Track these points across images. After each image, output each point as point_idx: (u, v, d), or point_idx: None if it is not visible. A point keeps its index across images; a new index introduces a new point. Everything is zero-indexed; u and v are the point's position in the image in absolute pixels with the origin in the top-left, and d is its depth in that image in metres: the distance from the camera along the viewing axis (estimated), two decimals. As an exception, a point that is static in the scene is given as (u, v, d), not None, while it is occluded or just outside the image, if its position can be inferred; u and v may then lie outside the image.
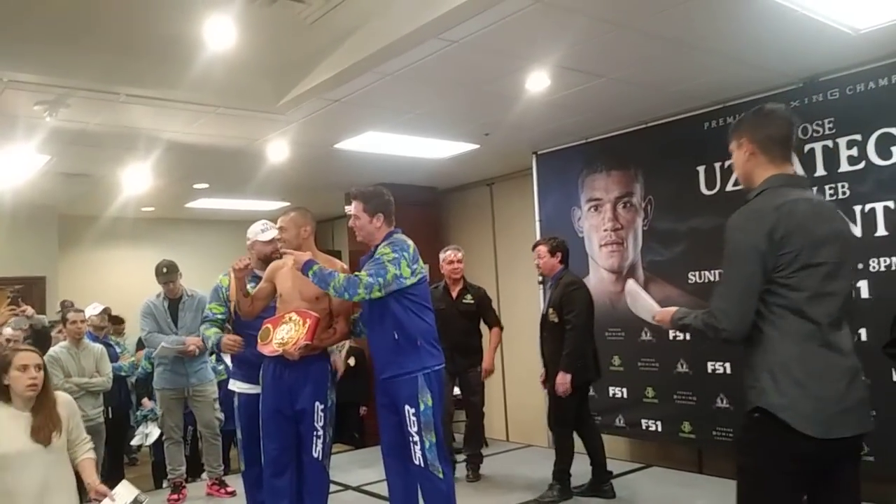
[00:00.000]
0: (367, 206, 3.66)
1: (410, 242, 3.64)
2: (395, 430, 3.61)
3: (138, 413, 6.16)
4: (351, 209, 3.72)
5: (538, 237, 6.43)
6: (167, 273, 5.20)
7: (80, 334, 5.32)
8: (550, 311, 4.81)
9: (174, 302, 5.27)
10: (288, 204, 8.79)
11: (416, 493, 3.69)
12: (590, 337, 4.84)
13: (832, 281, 2.18)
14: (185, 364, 5.14)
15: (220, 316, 4.22)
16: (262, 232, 4.32)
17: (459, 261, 5.50)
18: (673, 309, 2.44)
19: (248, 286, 3.89)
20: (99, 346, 5.53)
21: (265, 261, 4.18)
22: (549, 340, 4.84)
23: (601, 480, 4.87)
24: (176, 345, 5.04)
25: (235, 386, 4.18)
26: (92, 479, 3.09)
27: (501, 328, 5.57)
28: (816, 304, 2.15)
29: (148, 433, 5.92)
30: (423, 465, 3.51)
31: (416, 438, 3.51)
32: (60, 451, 3.11)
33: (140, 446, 6.19)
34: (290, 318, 3.71)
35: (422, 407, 3.50)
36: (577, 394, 4.73)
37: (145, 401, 6.06)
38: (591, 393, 5.99)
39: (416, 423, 3.50)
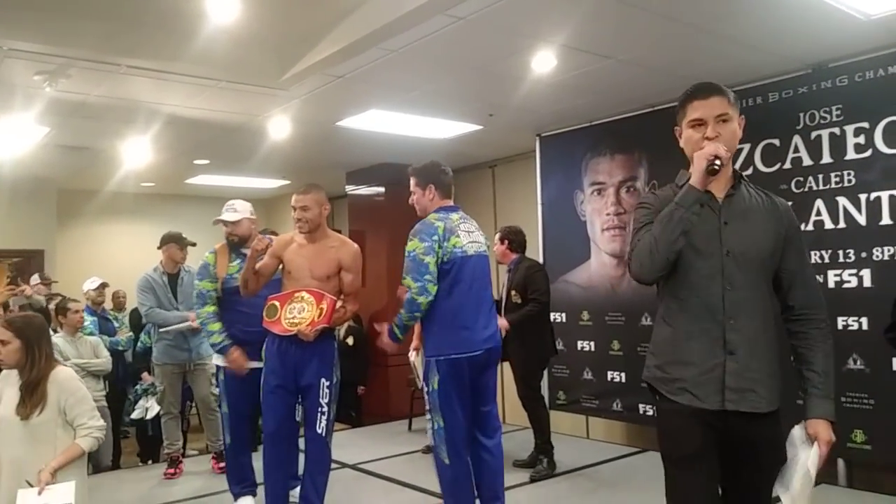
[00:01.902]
0: (418, 178, 3.69)
1: (439, 224, 3.53)
2: None
3: (138, 387, 6.14)
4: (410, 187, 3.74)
5: (540, 220, 6.44)
6: (186, 239, 5.26)
7: (79, 324, 5.32)
8: (513, 292, 5.08)
9: (173, 276, 5.25)
10: (288, 182, 8.78)
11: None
12: (547, 317, 5.17)
13: None
14: (186, 338, 5.11)
15: (214, 293, 4.21)
16: (225, 212, 4.35)
17: None
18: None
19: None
20: (95, 339, 5.53)
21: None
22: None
23: (542, 453, 5.03)
24: (181, 321, 5.02)
25: (220, 360, 4.19)
26: (51, 463, 2.95)
27: None
28: None
29: (148, 407, 5.90)
30: (433, 443, 3.60)
31: (429, 416, 3.65)
32: (41, 429, 3.02)
33: (142, 419, 6.15)
34: (301, 297, 3.70)
35: (430, 388, 3.50)
36: (540, 368, 5.12)
37: (145, 375, 6.03)
38: (589, 377, 6.03)
39: (428, 402, 3.57)
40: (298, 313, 3.66)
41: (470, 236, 3.62)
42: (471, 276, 3.54)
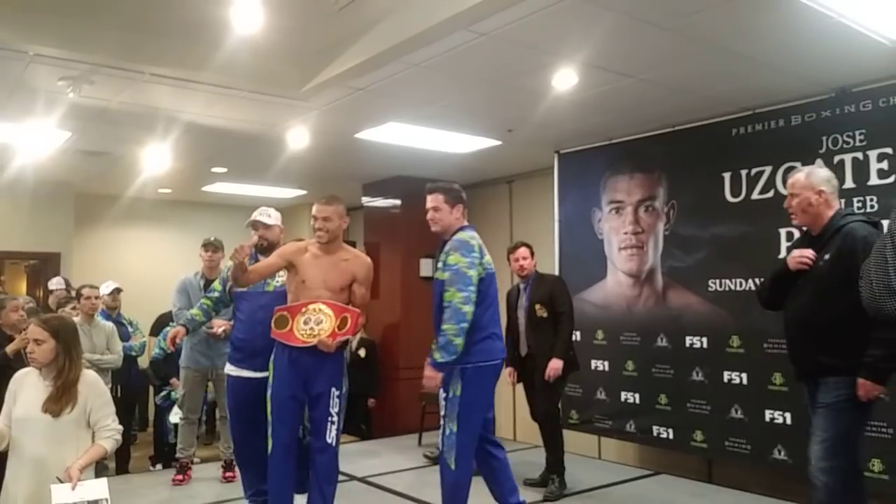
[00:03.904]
0: (447, 196, 3.78)
1: (475, 242, 3.70)
2: None
3: (172, 393, 6.06)
4: (429, 203, 3.81)
5: (556, 237, 6.41)
6: (216, 242, 5.33)
7: (94, 310, 5.32)
8: (537, 306, 5.01)
9: (210, 282, 5.25)
10: (305, 192, 8.80)
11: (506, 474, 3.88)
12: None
13: None
14: (211, 346, 5.11)
15: (216, 294, 4.43)
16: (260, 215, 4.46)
17: None
18: None
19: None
20: (110, 324, 5.52)
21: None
22: (537, 334, 5.03)
23: (554, 472, 4.97)
24: (206, 326, 5.02)
25: (230, 370, 4.28)
26: (78, 461, 2.97)
27: None
28: None
29: None
30: (440, 448, 3.66)
31: (442, 423, 3.67)
32: (67, 427, 3.06)
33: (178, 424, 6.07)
34: (318, 309, 3.68)
35: (450, 394, 3.63)
36: (564, 385, 5.07)
37: (174, 380, 5.98)
38: (603, 397, 5.97)
39: (444, 407, 3.66)
40: (316, 324, 3.65)
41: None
42: (494, 290, 3.77)
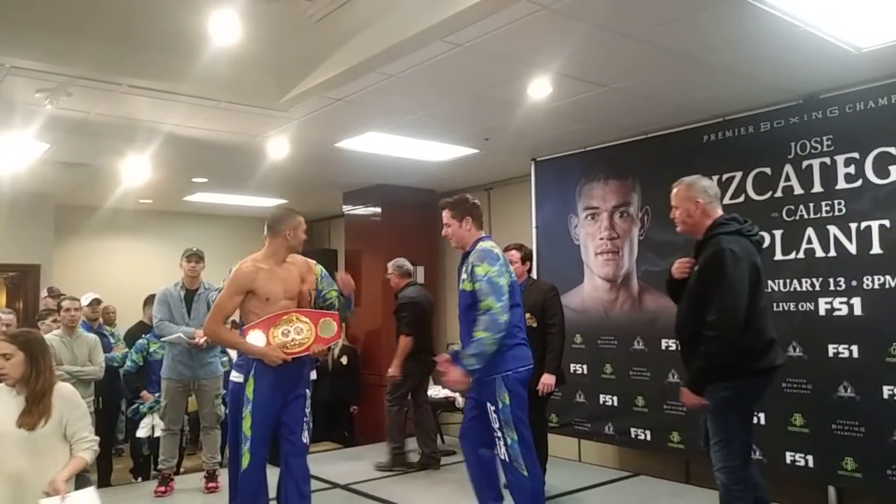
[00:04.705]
0: (453, 212, 3.88)
1: (497, 251, 3.80)
2: (473, 420, 3.84)
3: (141, 406, 6.07)
4: (442, 220, 3.92)
5: (534, 243, 6.47)
6: (198, 252, 5.34)
7: (74, 322, 5.31)
8: (527, 315, 4.83)
9: (191, 293, 5.27)
10: (285, 202, 8.82)
11: (492, 476, 3.86)
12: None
13: None
14: (193, 356, 5.12)
15: None
16: None
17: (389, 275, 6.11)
18: None
19: None
20: (93, 336, 5.51)
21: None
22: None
23: None
24: (187, 336, 5.05)
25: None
26: (61, 473, 2.98)
27: (407, 335, 5.73)
28: None
29: (155, 425, 5.79)
30: (507, 459, 3.66)
31: (500, 434, 3.67)
32: (44, 441, 3.06)
33: (149, 437, 6.02)
34: (294, 319, 3.71)
35: (500, 405, 3.64)
36: (551, 394, 4.97)
37: (144, 393, 5.98)
38: (582, 400, 6.04)
39: (497, 420, 3.66)
40: (297, 334, 3.68)
41: None
42: (520, 297, 3.87)
